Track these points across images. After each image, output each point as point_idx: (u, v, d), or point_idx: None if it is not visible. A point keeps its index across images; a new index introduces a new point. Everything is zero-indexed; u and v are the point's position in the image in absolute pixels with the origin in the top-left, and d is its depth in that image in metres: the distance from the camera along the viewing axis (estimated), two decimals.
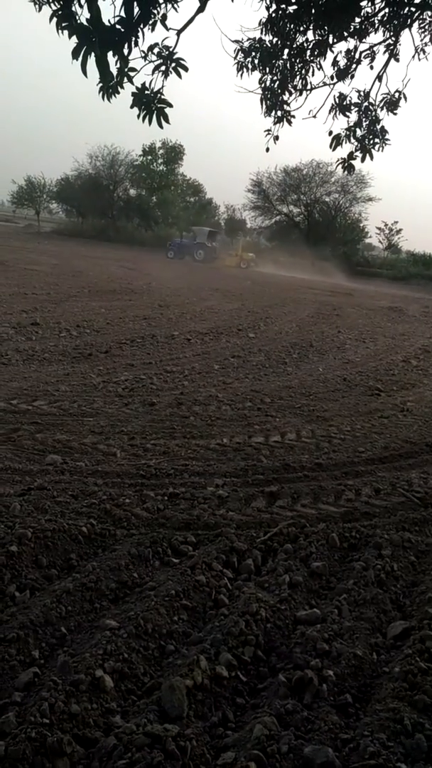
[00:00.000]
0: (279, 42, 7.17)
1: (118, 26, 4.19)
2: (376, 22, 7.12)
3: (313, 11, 6.61)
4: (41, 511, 4.23)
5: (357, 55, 7.42)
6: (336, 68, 7.47)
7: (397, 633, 3.22)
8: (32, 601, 3.23)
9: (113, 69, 4.37)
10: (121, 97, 4.75)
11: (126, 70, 4.52)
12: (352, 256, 58.35)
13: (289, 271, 47.58)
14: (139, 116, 4.74)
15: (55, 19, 4.13)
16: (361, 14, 6.92)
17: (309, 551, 4.00)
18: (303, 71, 7.44)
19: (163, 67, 4.86)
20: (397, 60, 7.35)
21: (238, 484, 5.25)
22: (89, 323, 12.64)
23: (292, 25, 7.02)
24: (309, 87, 7.57)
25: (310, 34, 7.11)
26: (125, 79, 4.60)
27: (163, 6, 4.78)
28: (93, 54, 4.08)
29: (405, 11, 6.98)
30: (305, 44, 7.21)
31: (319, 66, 7.39)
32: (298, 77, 7.50)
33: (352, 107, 7.52)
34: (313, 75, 7.48)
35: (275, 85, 7.57)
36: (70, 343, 10.59)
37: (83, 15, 4.14)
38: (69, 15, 4.12)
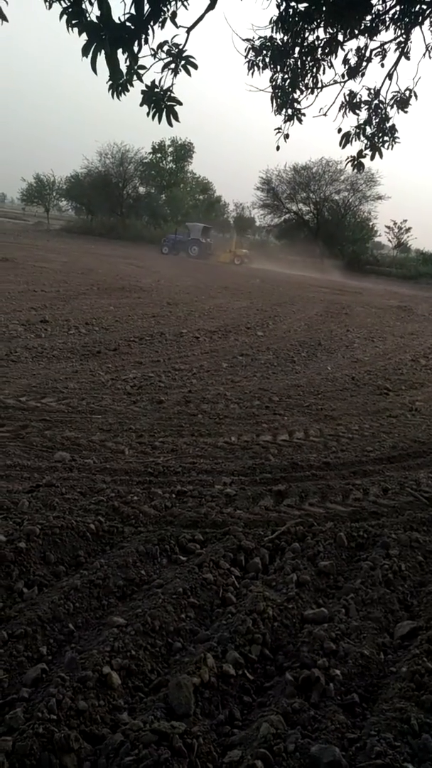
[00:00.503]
0: (290, 40, 7.15)
1: (128, 23, 4.19)
2: (387, 19, 7.08)
3: (324, 9, 6.58)
4: (49, 507, 4.24)
5: (368, 53, 7.40)
6: (347, 66, 7.45)
7: (405, 633, 3.21)
8: (40, 597, 3.24)
9: (123, 67, 4.37)
10: (131, 95, 4.76)
11: (136, 67, 4.52)
12: (361, 255, 58.15)
13: (293, 268, 47.47)
14: (148, 114, 4.74)
15: (65, 17, 4.13)
16: (372, 12, 6.88)
17: (316, 550, 3.99)
18: (314, 69, 7.42)
19: (172, 65, 4.85)
20: (408, 58, 7.32)
21: (246, 482, 5.25)
22: (98, 321, 12.67)
23: (302, 23, 6.99)
24: (320, 85, 7.56)
25: (320, 32, 7.09)
26: (135, 77, 4.61)
27: (173, 3, 4.77)
28: (103, 51, 4.08)
29: (416, 9, 6.94)
30: (316, 42, 7.18)
31: (329, 64, 7.37)
32: (308, 75, 7.48)
33: (363, 105, 7.51)
34: (323, 73, 7.46)
35: (286, 84, 7.55)
36: (79, 340, 10.62)
37: (93, 12, 4.15)
38: (79, 12, 4.13)
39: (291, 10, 6.87)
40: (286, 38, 7.16)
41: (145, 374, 8.79)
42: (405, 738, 2.37)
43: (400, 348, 14.10)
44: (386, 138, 7.59)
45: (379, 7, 6.98)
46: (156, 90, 4.69)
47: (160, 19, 4.58)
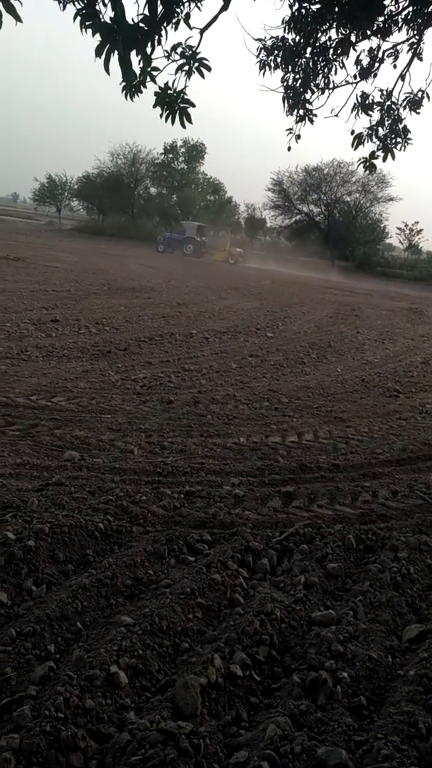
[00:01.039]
0: (302, 40, 7.13)
1: (141, 25, 4.20)
2: (400, 20, 7.06)
3: (337, 10, 6.57)
4: (59, 506, 4.26)
5: (380, 54, 7.37)
6: (359, 67, 7.43)
7: (413, 636, 3.20)
8: (49, 595, 3.26)
9: (136, 68, 4.38)
10: (144, 96, 4.77)
11: (149, 69, 4.53)
12: (372, 257, 57.99)
13: (303, 270, 47.41)
14: (161, 116, 4.75)
15: (79, 18, 4.15)
16: (385, 13, 6.86)
17: (325, 552, 3.98)
18: (326, 70, 7.40)
19: (186, 67, 4.85)
20: (421, 59, 7.28)
21: (255, 483, 5.24)
22: (108, 321, 12.70)
23: (315, 24, 6.98)
24: (331, 86, 7.54)
25: (333, 33, 7.07)
26: (148, 79, 4.62)
27: (186, 5, 4.78)
28: (116, 52, 4.09)
29: (429, 10, 6.91)
30: (328, 43, 7.17)
31: (341, 65, 7.34)
32: (320, 76, 7.46)
33: (375, 106, 7.48)
34: (335, 74, 7.44)
35: (298, 84, 7.54)
36: (89, 340, 10.65)
37: (107, 13, 4.16)
38: (93, 14, 4.14)
39: (303, 11, 6.86)
40: (298, 38, 7.15)
41: (154, 374, 8.80)
42: (412, 741, 2.36)
43: (410, 350, 14.05)
44: (398, 139, 7.56)
45: (392, 8, 6.96)
46: (169, 92, 4.69)
47: (174, 21, 4.58)
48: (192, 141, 66.80)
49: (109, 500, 4.50)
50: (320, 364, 11.22)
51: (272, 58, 7.28)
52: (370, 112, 7.48)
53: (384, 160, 7.52)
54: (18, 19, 3.96)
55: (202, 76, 4.87)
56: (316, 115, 7.74)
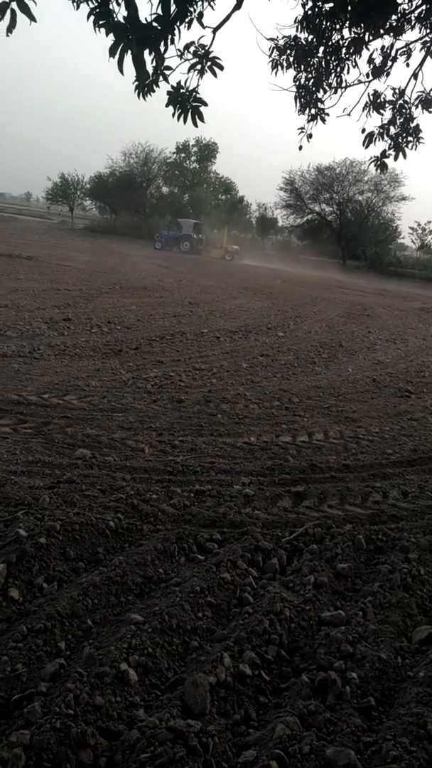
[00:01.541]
0: (315, 40, 7.13)
1: (154, 24, 4.21)
2: (413, 19, 7.03)
3: (350, 8, 6.54)
4: (70, 504, 4.28)
5: (393, 53, 7.35)
6: (371, 66, 7.41)
7: (423, 638, 3.19)
8: (60, 593, 3.27)
9: (149, 67, 4.39)
10: (156, 95, 4.78)
11: (162, 68, 4.54)
12: (384, 256, 57.73)
13: (315, 269, 47.32)
14: (174, 114, 4.75)
15: (92, 17, 4.16)
16: (398, 11, 6.83)
17: (334, 552, 3.98)
18: (338, 69, 7.39)
19: (198, 66, 4.86)
20: None
21: (265, 483, 5.25)
22: (120, 320, 12.74)
23: (328, 23, 6.97)
24: (344, 84, 7.52)
25: (345, 32, 7.06)
26: (161, 78, 4.62)
27: (199, 4, 4.78)
28: (129, 52, 4.10)
29: None
30: (341, 42, 7.15)
31: (354, 63, 7.33)
32: (333, 75, 7.45)
33: (387, 105, 7.46)
34: (348, 72, 7.43)
35: (310, 83, 7.53)
36: (101, 339, 10.69)
37: (120, 13, 4.17)
38: (106, 13, 4.15)
39: (317, 10, 6.85)
40: (310, 38, 7.14)
41: (165, 373, 8.82)
42: (421, 743, 2.35)
43: (422, 350, 13.98)
44: (410, 138, 7.53)
45: (405, 7, 6.94)
46: (182, 91, 4.70)
47: (187, 20, 4.58)
48: (204, 140, 66.82)
49: (119, 498, 4.51)
50: (331, 363, 11.19)
51: (285, 57, 7.27)
52: (382, 111, 7.46)
53: (395, 159, 7.50)
54: (32, 18, 3.98)
55: (215, 74, 4.87)
56: (328, 114, 7.74)
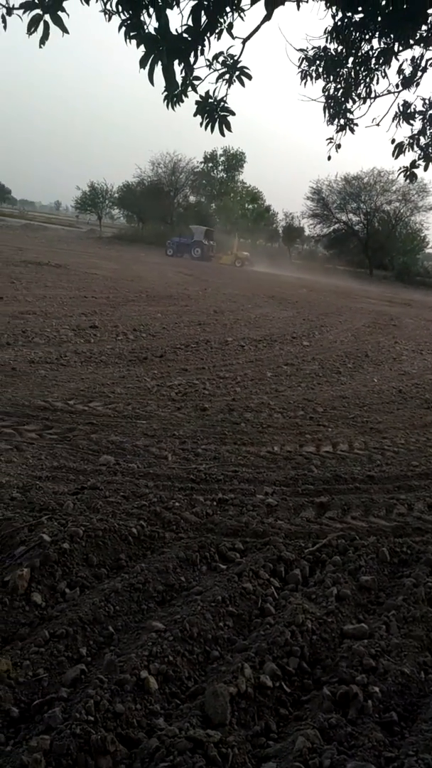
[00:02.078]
0: (344, 50, 7.13)
1: (185, 35, 4.25)
2: None
3: (380, 19, 6.54)
4: (93, 510, 4.30)
5: (423, 63, 7.32)
6: (401, 76, 7.39)
7: None
8: (81, 598, 3.29)
9: (178, 78, 4.43)
10: (184, 105, 4.83)
11: (191, 78, 4.58)
12: (411, 266, 57.29)
13: (341, 278, 47.12)
14: (201, 124, 4.79)
15: (123, 29, 4.22)
16: (428, 22, 6.81)
17: (358, 564, 3.93)
18: (368, 79, 7.39)
19: (227, 76, 4.89)
20: None
21: (288, 493, 5.22)
22: (145, 327, 12.81)
23: (357, 33, 6.97)
24: (373, 95, 7.51)
25: (375, 42, 7.05)
26: (189, 88, 4.67)
27: (229, 15, 4.82)
28: (160, 63, 4.15)
29: None
30: (370, 52, 7.15)
31: (383, 74, 7.32)
32: (362, 85, 7.45)
33: (417, 115, 7.42)
34: (377, 83, 7.42)
35: (339, 93, 7.53)
36: (127, 346, 10.76)
37: (151, 24, 4.22)
38: (137, 25, 4.21)
39: (346, 20, 6.85)
40: (340, 48, 7.15)
41: (190, 381, 8.84)
42: None
43: None
44: None
45: None
46: (210, 100, 4.73)
47: (217, 30, 4.62)
48: (232, 150, 67.18)
49: (142, 505, 4.52)
50: (356, 373, 11.11)
51: (314, 68, 7.29)
52: (411, 121, 7.42)
53: (425, 169, 7.46)
54: (65, 30, 4.05)
55: (243, 84, 4.90)
56: (357, 125, 7.73)
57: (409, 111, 7.38)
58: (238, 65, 4.86)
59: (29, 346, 9.68)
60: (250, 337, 13.53)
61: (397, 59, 7.22)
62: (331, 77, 7.39)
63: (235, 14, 4.76)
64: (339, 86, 7.49)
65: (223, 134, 4.81)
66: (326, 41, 7.13)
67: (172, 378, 8.93)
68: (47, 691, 2.62)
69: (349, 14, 6.77)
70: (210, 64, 4.84)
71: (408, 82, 7.37)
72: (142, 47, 4.13)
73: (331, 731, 2.49)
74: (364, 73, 7.33)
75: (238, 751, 2.34)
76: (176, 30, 4.21)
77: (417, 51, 7.25)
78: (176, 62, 4.27)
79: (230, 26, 4.80)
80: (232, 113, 4.74)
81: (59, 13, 3.91)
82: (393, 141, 7.30)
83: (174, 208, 66.37)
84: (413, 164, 7.53)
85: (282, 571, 3.84)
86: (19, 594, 3.24)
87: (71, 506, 4.30)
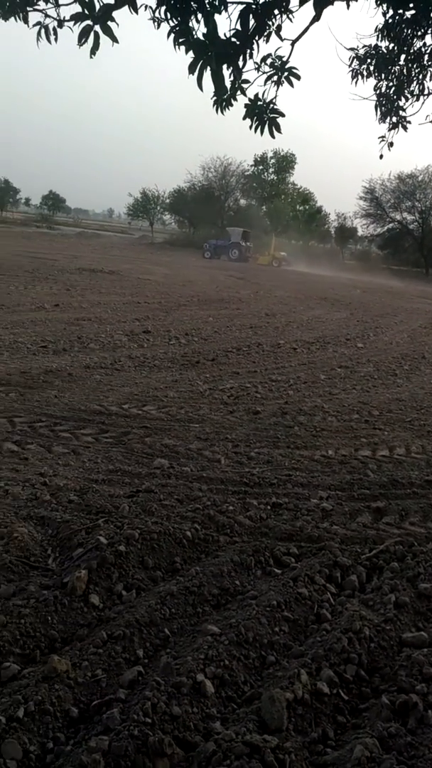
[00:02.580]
0: (396, 48, 7.02)
1: (233, 39, 4.26)
2: None
3: None
4: (148, 513, 4.35)
5: None
6: None
7: None
8: (138, 600, 3.32)
9: (227, 82, 4.44)
10: (234, 109, 4.83)
11: (239, 82, 4.58)
12: None
13: (396, 279, 46.22)
14: (251, 127, 4.79)
15: (172, 35, 4.26)
16: None
17: (417, 571, 3.84)
18: (420, 76, 7.25)
19: (275, 77, 4.87)
20: None
21: (343, 497, 5.15)
22: (197, 331, 12.89)
23: (409, 30, 6.85)
24: (426, 92, 7.36)
25: (428, 39, 6.92)
26: (238, 92, 4.67)
27: (278, 17, 4.80)
28: (209, 68, 4.17)
29: None
30: (423, 49, 7.01)
31: None
32: (414, 82, 7.31)
33: None
34: (430, 80, 7.27)
35: (391, 91, 7.42)
36: (179, 350, 10.85)
37: (200, 30, 4.25)
38: (186, 31, 4.24)
39: (397, 18, 6.74)
40: (392, 46, 7.04)
41: (242, 384, 8.83)
42: None
43: None
44: None
45: None
46: (259, 103, 4.72)
47: (265, 33, 4.61)
48: (282, 152, 66.97)
49: (196, 509, 4.54)
50: (413, 375, 10.88)
51: (365, 66, 7.20)
52: None
53: None
54: (115, 40, 4.12)
55: (291, 85, 4.86)
56: (410, 122, 7.59)
57: None
58: (287, 66, 4.83)
59: (85, 352, 9.88)
60: (303, 339, 13.43)
61: None
62: (383, 75, 7.28)
63: (284, 16, 4.74)
64: (391, 84, 7.38)
65: (273, 136, 4.79)
66: (377, 39, 7.04)
67: (224, 381, 8.95)
68: (105, 692, 2.65)
69: (401, 11, 6.66)
70: (258, 66, 4.83)
71: None
72: (191, 53, 4.17)
73: (390, 740, 2.43)
74: (416, 70, 7.20)
75: (295, 758, 2.32)
76: (224, 34, 4.22)
77: None
78: (225, 66, 4.28)
79: (279, 28, 4.78)
80: (282, 114, 4.71)
81: (108, 23, 3.98)
82: None
83: (225, 212, 66.57)
84: None
85: (338, 577, 3.79)
86: (77, 595, 3.30)
87: (127, 509, 4.35)
